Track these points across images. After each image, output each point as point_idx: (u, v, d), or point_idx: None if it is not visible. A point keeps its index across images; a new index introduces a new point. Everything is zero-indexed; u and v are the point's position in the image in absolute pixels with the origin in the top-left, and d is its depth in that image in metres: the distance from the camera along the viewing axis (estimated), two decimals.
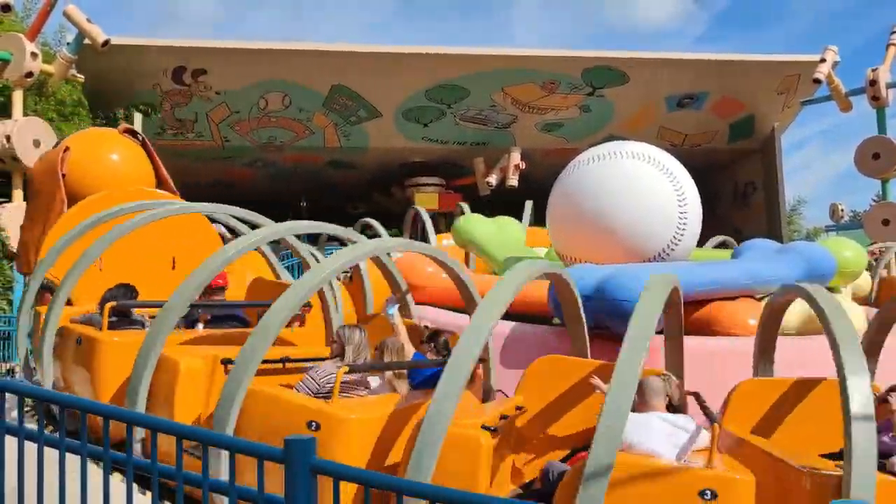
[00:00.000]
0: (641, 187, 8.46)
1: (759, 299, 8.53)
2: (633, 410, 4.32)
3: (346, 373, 4.63)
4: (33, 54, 15.62)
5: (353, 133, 24.49)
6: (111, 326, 6.04)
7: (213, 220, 9.33)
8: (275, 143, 24.59)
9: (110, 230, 6.55)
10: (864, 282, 12.18)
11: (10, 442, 3.11)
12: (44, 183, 9.02)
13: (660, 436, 4.18)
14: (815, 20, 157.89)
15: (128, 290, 6.53)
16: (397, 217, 22.44)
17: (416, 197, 26.38)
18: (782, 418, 4.92)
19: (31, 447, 3.05)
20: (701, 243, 14.96)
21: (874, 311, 7.18)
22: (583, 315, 6.18)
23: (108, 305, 6.09)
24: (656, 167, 8.61)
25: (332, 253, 7.31)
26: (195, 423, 5.04)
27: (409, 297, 7.00)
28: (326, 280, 5.29)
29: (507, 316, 7.89)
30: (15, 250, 13.09)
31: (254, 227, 7.32)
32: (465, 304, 6.41)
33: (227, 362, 5.12)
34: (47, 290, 7.23)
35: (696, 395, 4.56)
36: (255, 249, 7.45)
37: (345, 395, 4.73)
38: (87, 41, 16.20)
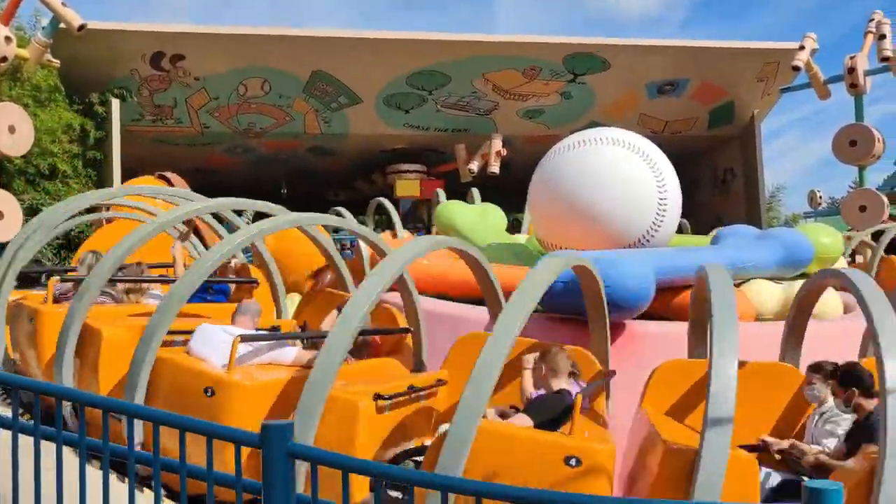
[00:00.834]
0: (621, 174, 8.48)
1: (738, 285, 8.60)
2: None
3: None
4: (7, 39, 15.32)
5: (333, 119, 24.34)
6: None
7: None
8: (255, 129, 24.40)
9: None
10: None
11: None
12: None
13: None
14: (796, 7, 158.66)
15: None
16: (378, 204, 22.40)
17: (397, 184, 26.29)
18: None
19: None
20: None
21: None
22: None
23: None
24: (636, 153, 8.63)
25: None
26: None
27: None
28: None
29: (473, 301, 7.97)
30: None
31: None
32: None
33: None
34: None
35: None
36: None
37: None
38: (62, 25, 15.96)
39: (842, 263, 12.11)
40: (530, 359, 5.08)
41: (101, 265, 5.42)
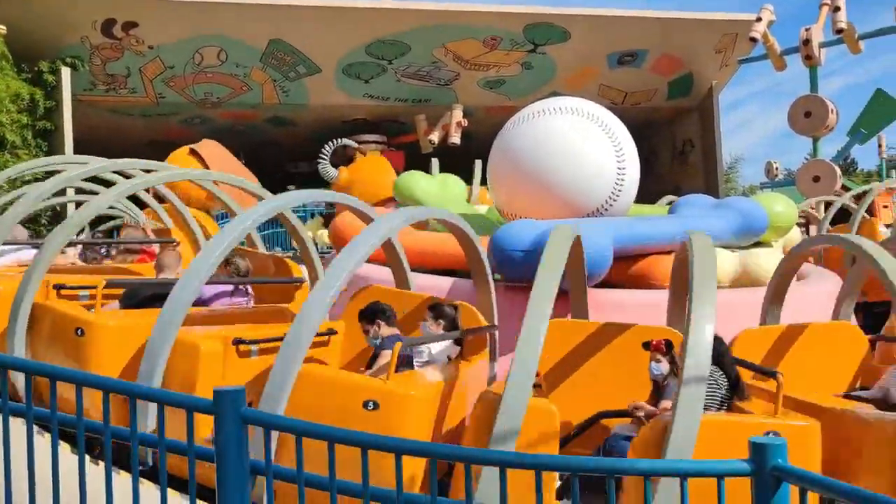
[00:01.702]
0: (580, 143, 8.49)
1: None
2: None
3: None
4: None
5: (292, 89, 23.98)
6: None
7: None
8: (211, 99, 23.94)
9: None
10: (796, 236, 12.55)
11: None
12: None
13: None
14: None
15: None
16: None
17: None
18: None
19: None
20: (651, 200, 15.27)
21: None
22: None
23: None
24: (595, 123, 8.65)
25: None
26: None
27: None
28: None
29: (443, 272, 7.96)
30: None
31: None
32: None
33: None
34: None
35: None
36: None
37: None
38: None
39: (795, 232, 12.36)
40: None
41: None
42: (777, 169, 26.91)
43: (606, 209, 8.54)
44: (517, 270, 6.88)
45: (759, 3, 19.44)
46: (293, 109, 25.02)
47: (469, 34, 22.86)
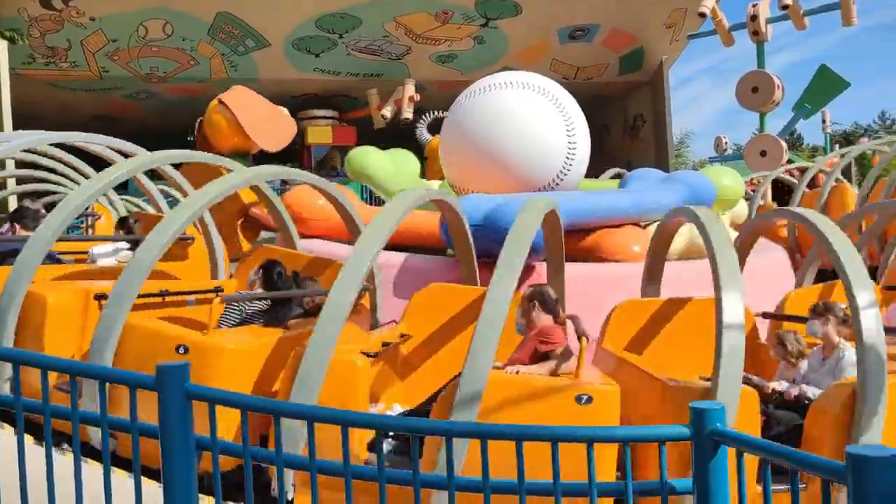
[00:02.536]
0: (530, 117, 8.50)
1: (645, 226, 8.82)
2: None
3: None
4: None
5: (240, 64, 23.54)
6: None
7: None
8: (158, 73, 23.38)
9: None
10: (742, 209, 12.80)
11: None
12: None
13: None
14: None
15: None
16: (290, 152, 21.89)
17: (308, 131, 25.73)
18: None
19: None
20: (596, 175, 15.38)
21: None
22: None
23: None
24: (545, 97, 8.65)
25: None
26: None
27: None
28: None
29: (401, 248, 7.93)
30: None
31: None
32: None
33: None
34: None
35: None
36: None
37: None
38: None
39: (742, 205, 12.59)
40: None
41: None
42: (726, 144, 27.40)
43: (557, 183, 8.57)
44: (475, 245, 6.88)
45: None
46: (242, 84, 24.49)
47: (420, 7, 22.65)
